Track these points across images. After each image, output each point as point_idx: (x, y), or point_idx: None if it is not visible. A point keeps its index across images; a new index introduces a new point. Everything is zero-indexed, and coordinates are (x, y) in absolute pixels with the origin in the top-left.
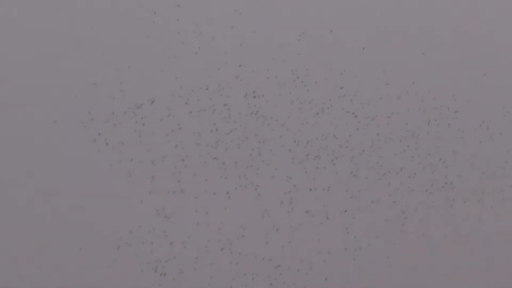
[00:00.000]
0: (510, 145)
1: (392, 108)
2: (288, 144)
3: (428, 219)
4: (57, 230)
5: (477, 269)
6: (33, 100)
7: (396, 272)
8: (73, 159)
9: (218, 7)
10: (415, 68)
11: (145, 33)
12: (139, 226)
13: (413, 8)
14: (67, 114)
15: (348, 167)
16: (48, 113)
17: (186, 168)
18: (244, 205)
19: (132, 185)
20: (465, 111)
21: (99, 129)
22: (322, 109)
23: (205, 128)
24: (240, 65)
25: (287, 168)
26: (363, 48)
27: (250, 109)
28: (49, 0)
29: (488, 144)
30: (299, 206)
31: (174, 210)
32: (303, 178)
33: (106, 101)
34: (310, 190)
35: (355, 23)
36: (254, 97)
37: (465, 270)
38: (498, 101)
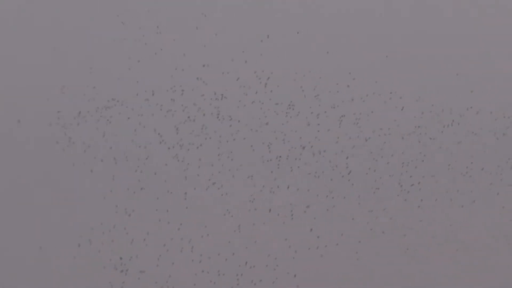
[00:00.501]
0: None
1: (356, 108)
2: (251, 144)
3: (395, 217)
4: (17, 228)
5: (446, 267)
6: None
7: (364, 269)
8: (36, 158)
9: (182, 9)
10: (379, 69)
11: (109, 35)
12: (101, 224)
13: (376, 10)
14: (32, 114)
15: (313, 167)
16: (12, 112)
17: (148, 167)
18: (206, 204)
19: (94, 182)
20: (431, 112)
21: (63, 129)
22: (284, 110)
23: (167, 129)
24: (203, 65)
25: (249, 168)
26: (327, 52)
27: (211, 110)
28: (17, 2)
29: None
30: (262, 205)
31: (134, 208)
32: (266, 178)
33: (71, 101)
34: (272, 189)
35: (321, 25)
36: (217, 99)
37: (434, 267)
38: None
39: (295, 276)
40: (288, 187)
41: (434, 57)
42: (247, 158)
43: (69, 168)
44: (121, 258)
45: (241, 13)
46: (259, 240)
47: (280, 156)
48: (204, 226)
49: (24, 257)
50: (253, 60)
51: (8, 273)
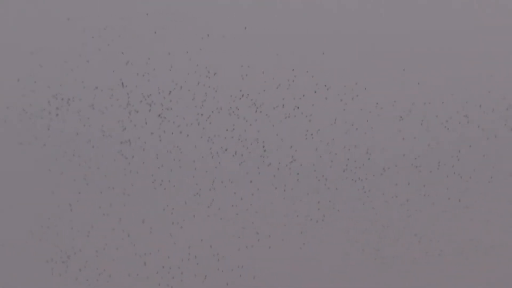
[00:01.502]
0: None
1: (289, 106)
2: (195, 140)
3: (348, 212)
4: None
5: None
6: None
7: (305, 260)
8: None
9: (126, 8)
10: (323, 70)
11: (56, 33)
12: (48, 219)
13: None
14: None
15: (254, 161)
16: None
17: (93, 163)
18: (145, 200)
19: (42, 178)
20: (407, 114)
21: (12, 126)
22: (227, 108)
23: (112, 127)
24: (147, 62)
25: (192, 164)
26: (277, 54)
27: (156, 106)
28: None
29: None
30: (204, 202)
31: (79, 203)
32: (206, 176)
33: (19, 99)
34: (214, 184)
35: (266, 24)
36: (161, 94)
37: (392, 266)
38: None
39: (238, 267)
40: (231, 182)
41: (402, 59)
42: (190, 154)
43: (13, 164)
44: (62, 251)
45: (182, 12)
46: (202, 236)
47: (226, 149)
48: (143, 221)
49: None
50: (195, 58)
51: None
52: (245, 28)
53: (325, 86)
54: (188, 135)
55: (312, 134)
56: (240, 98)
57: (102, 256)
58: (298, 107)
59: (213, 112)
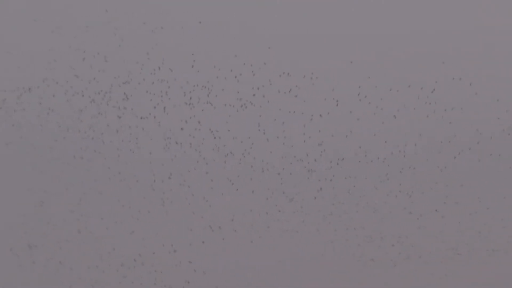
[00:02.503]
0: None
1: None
2: (150, 135)
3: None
4: None
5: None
6: None
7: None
8: None
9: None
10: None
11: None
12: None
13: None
14: None
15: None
16: None
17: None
18: (102, 193)
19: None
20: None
21: None
22: (183, 101)
23: (70, 119)
24: (84, 59)
25: (147, 158)
26: (235, 55)
27: (105, 99)
28: None
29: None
30: (159, 196)
31: (50, 198)
32: (162, 169)
33: None
34: (162, 180)
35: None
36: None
37: (375, 268)
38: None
39: (190, 262)
40: (168, 178)
41: (372, 63)
42: (147, 147)
43: None
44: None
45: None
46: (158, 230)
47: (181, 144)
48: (101, 218)
49: None
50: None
51: None
52: (200, 22)
53: (285, 73)
54: (143, 129)
55: (264, 130)
56: (193, 90)
57: (63, 249)
58: (251, 102)
59: (168, 105)
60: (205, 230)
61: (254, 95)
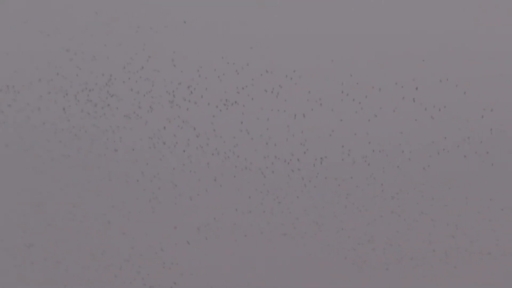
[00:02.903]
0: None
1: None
2: (138, 134)
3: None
4: None
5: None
6: None
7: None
8: None
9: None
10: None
11: None
12: None
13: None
14: None
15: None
16: None
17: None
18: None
19: None
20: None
21: None
22: (167, 99)
23: (53, 116)
24: (71, 59)
25: (133, 157)
26: (223, 58)
27: (90, 97)
28: None
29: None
30: (145, 195)
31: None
32: (148, 168)
33: None
34: (156, 177)
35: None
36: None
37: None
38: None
39: (173, 263)
40: (154, 177)
41: (358, 66)
42: (133, 146)
43: None
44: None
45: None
46: (145, 229)
47: (165, 143)
48: (82, 221)
49: None
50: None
51: None
52: (184, 22)
53: (267, 72)
54: (131, 129)
55: (247, 129)
56: (176, 88)
57: (61, 249)
58: (235, 102)
59: (153, 103)
60: (190, 229)
61: (238, 93)
